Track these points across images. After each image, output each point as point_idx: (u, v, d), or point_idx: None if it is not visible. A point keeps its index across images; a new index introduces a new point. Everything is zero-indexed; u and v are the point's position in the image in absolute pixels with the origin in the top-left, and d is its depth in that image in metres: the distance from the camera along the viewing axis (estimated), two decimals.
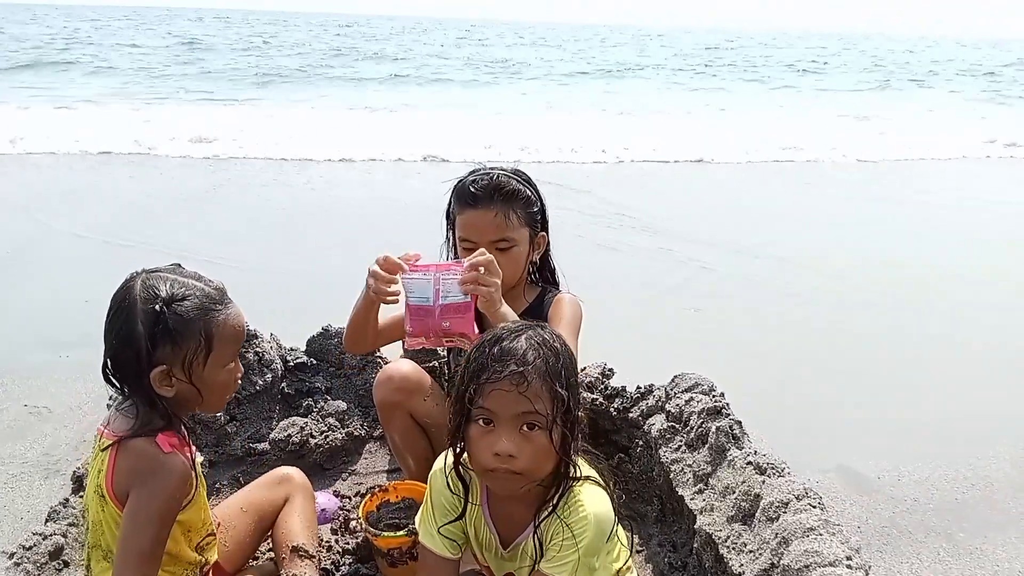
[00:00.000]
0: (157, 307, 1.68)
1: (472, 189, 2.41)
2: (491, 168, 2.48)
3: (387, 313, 2.47)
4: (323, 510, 2.59)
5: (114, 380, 1.75)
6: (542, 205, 2.53)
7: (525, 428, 1.62)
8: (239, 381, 1.91)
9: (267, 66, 22.57)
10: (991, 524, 2.73)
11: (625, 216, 6.93)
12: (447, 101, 16.67)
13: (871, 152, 11.33)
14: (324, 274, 5.03)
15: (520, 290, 2.59)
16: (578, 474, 1.70)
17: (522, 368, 1.60)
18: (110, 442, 1.73)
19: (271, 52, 28.03)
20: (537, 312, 2.51)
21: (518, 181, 2.47)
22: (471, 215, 2.41)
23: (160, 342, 1.68)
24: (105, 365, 1.75)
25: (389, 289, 2.24)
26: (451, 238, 2.55)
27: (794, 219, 7.15)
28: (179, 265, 1.83)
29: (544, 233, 2.56)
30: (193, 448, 1.86)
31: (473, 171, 2.49)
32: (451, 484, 1.81)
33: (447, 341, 2.28)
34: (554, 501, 1.69)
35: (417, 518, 1.93)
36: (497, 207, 2.41)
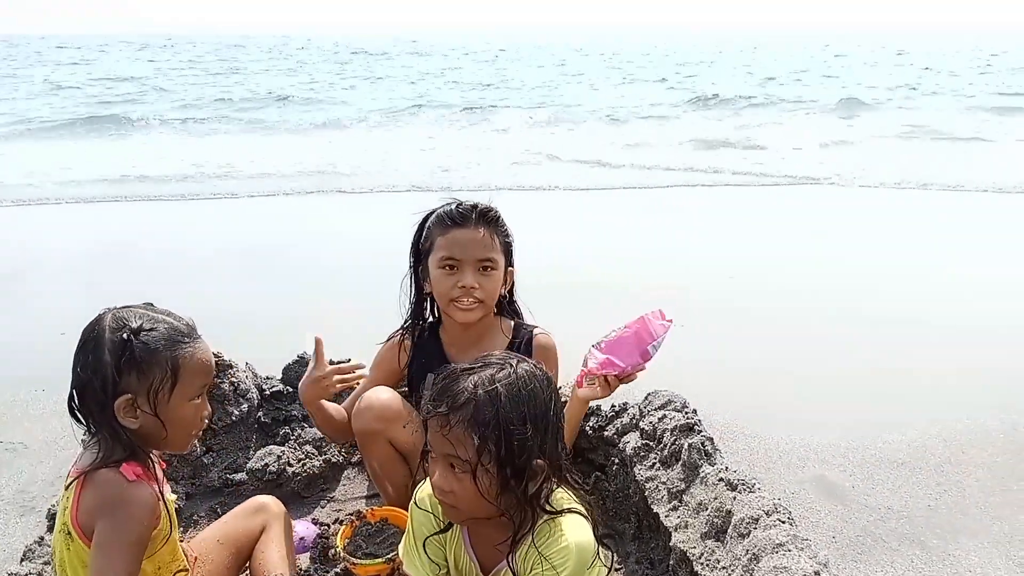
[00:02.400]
0: (124, 335, 1.71)
1: (459, 210, 2.47)
2: (456, 201, 2.53)
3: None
4: (302, 538, 2.59)
5: (79, 414, 1.76)
6: (513, 240, 2.59)
7: (454, 468, 1.64)
8: (206, 421, 1.91)
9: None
10: (964, 530, 2.77)
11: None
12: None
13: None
14: (299, 302, 5.03)
15: (496, 322, 2.62)
16: (551, 508, 1.72)
17: (448, 412, 1.62)
18: (74, 478, 1.73)
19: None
20: (518, 351, 2.55)
21: (497, 210, 2.54)
22: (458, 233, 2.45)
23: (126, 370, 1.70)
24: (71, 398, 1.76)
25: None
26: (415, 275, 2.59)
27: (768, 239, 7.22)
28: (151, 304, 1.85)
29: (511, 268, 2.61)
30: (163, 483, 1.86)
31: (448, 202, 2.52)
32: (432, 507, 1.83)
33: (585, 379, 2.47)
34: (515, 538, 1.70)
35: (400, 548, 1.95)
36: (483, 228, 2.47)
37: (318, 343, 2.48)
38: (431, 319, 2.67)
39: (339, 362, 2.60)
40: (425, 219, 2.55)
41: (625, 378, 2.41)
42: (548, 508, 1.73)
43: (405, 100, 20.26)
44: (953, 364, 4.19)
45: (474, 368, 1.68)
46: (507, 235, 2.55)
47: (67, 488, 1.75)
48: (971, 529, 2.78)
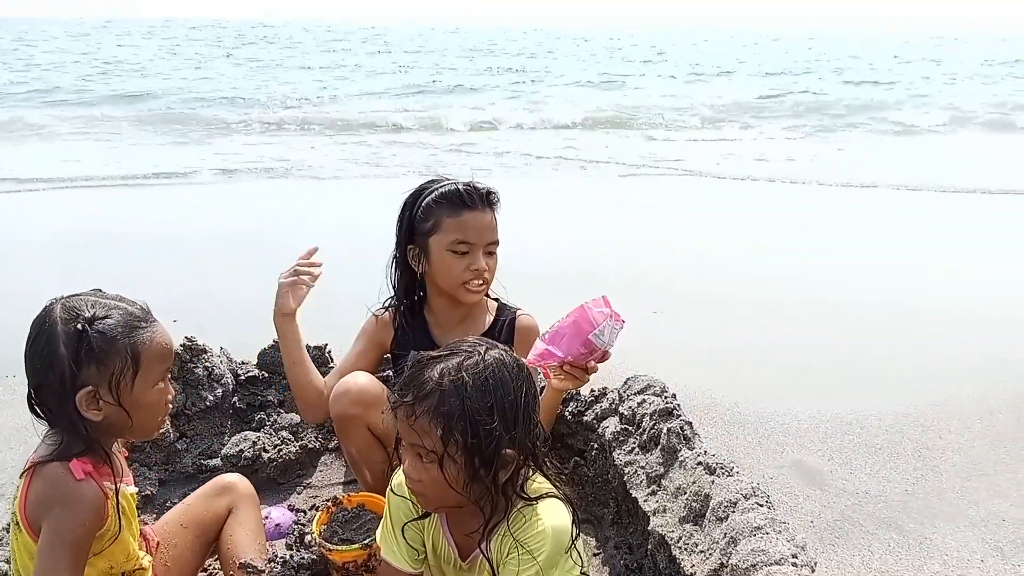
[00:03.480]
0: (79, 326, 1.64)
1: (469, 191, 2.45)
2: (451, 179, 2.50)
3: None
4: (277, 524, 2.56)
5: (40, 410, 1.71)
6: None
7: (422, 457, 1.63)
8: (170, 403, 1.86)
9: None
10: (940, 514, 2.79)
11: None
12: None
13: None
14: (274, 285, 4.95)
15: (482, 302, 2.61)
16: (526, 495, 1.70)
17: (413, 403, 1.60)
18: (27, 467, 1.69)
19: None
20: (500, 332, 2.58)
21: None
22: (470, 217, 2.44)
23: (84, 362, 1.64)
24: (30, 395, 1.70)
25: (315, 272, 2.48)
26: (407, 252, 2.54)
27: (748, 227, 7.23)
28: (99, 290, 1.79)
29: None
30: (124, 476, 1.80)
31: (441, 181, 2.49)
32: (409, 493, 1.81)
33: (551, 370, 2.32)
34: (488, 527, 1.68)
35: (378, 533, 1.93)
36: (490, 211, 2.48)
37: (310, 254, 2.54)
38: (416, 299, 2.64)
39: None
40: (418, 197, 2.50)
41: (585, 368, 2.28)
42: (523, 495, 1.71)
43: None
44: (930, 351, 4.22)
45: (441, 356, 1.65)
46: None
47: (20, 477, 1.71)
48: (948, 513, 2.79)
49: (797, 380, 3.84)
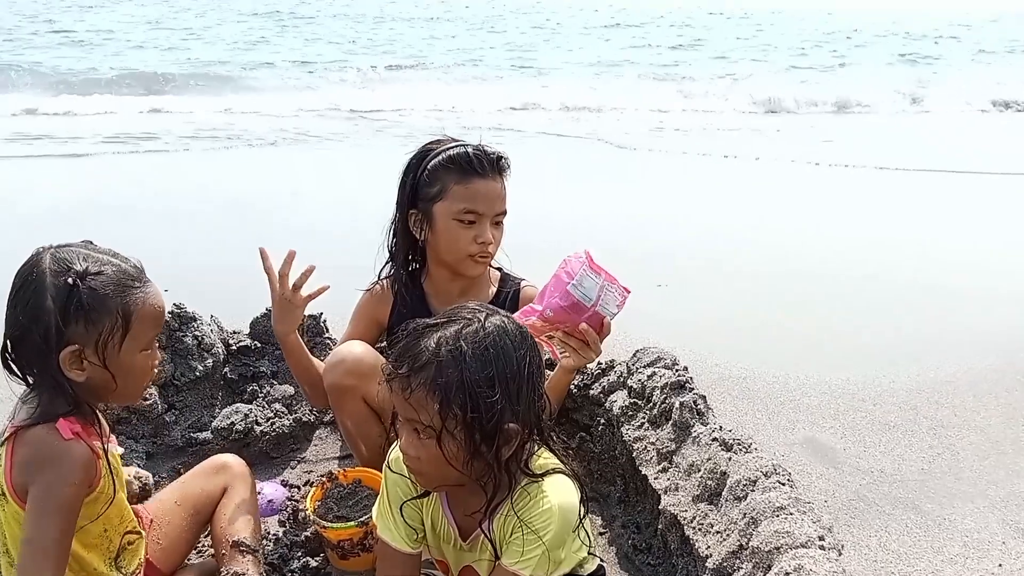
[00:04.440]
0: (70, 280, 1.54)
1: (478, 157, 2.30)
2: (459, 141, 2.36)
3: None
4: (270, 501, 2.46)
5: (14, 366, 1.60)
6: None
7: (419, 433, 1.52)
8: (156, 369, 1.77)
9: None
10: (958, 494, 2.69)
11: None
12: None
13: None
14: (269, 252, 4.83)
15: (484, 272, 2.48)
16: (530, 472, 1.60)
17: (409, 374, 1.49)
18: (8, 435, 1.58)
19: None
20: (504, 305, 2.41)
21: None
22: (481, 185, 2.30)
23: (72, 319, 1.54)
24: (4, 348, 1.59)
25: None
26: (408, 217, 2.40)
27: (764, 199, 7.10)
28: (90, 242, 1.68)
29: None
30: (109, 439, 1.70)
31: (449, 143, 2.35)
32: (408, 472, 1.69)
33: (546, 338, 2.17)
34: (489, 506, 1.58)
35: (375, 511, 1.82)
36: (500, 179, 2.34)
37: (263, 255, 2.28)
38: (413, 268, 2.52)
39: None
40: (423, 158, 2.36)
41: (585, 339, 2.12)
42: (528, 472, 1.60)
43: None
44: (943, 326, 4.10)
45: (439, 324, 1.54)
46: None
47: (1, 444, 1.60)
48: (967, 493, 2.69)
49: (807, 355, 3.72)
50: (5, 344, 1.59)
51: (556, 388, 2.33)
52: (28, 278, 1.56)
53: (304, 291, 2.30)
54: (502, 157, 2.35)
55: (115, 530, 1.73)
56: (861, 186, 7.54)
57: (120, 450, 1.79)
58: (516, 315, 2.03)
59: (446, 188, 2.30)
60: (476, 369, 1.47)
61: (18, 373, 1.61)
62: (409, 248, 2.47)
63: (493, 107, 12.20)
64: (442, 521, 1.75)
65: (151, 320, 1.67)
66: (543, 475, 1.62)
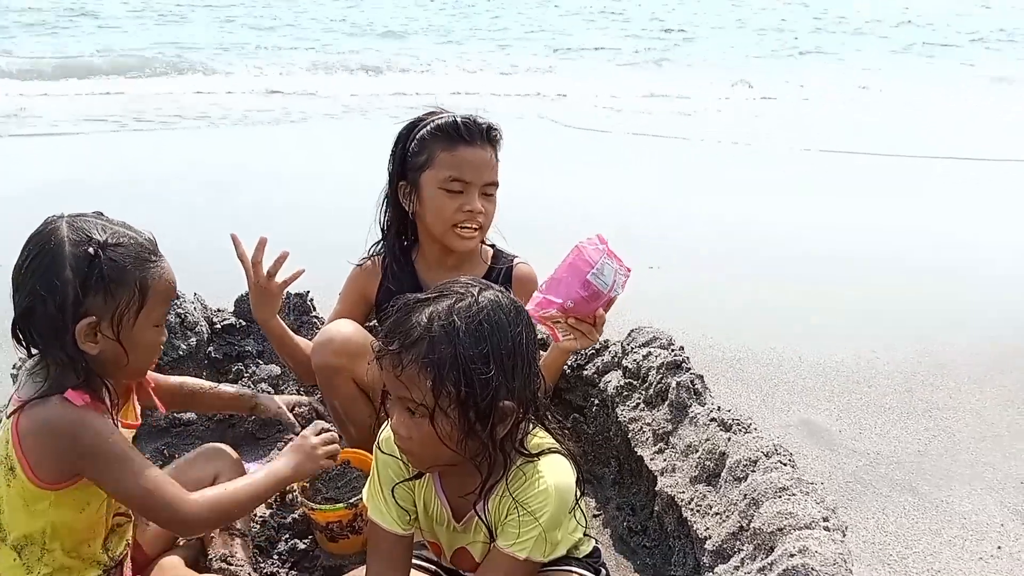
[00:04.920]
0: (91, 250, 1.50)
1: (467, 124, 2.22)
2: (462, 112, 2.29)
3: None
4: None
5: (23, 336, 1.55)
6: None
7: (412, 412, 1.47)
8: (162, 346, 1.74)
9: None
10: (955, 476, 2.66)
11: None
12: None
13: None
14: (253, 229, 4.73)
15: (476, 248, 2.41)
16: (526, 451, 1.55)
17: (400, 351, 1.43)
18: (16, 408, 1.53)
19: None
20: (496, 282, 2.33)
21: None
22: (468, 152, 2.22)
23: (92, 290, 1.50)
24: (16, 321, 1.53)
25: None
26: (398, 189, 2.34)
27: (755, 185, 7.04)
28: (102, 213, 1.63)
29: None
30: (117, 418, 1.66)
31: (439, 113, 2.28)
32: (400, 453, 1.64)
33: (550, 322, 2.11)
34: (484, 487, 1.53)
35: (365, 492, 1.76)
36: (490, 148, 2.26)
37: (235, 242, 2.22)
38: (406, 242, 2.45)
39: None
40: (412, 129, 2.29)
41: (594, 321, 2.10)
42: (523, 451, 1.54)
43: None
44: (940, 305, 4.08)
45: (430, 299, 1.48)
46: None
47: (8, 418, 1.55)
48: (963, 476, 2.67)
49: (800, 338, 3.68)
50: (18, 313, 1.53)
51: (552, 367, 2.28)
52: (44, 246, 1.51)
53: (279, 277, 2.24)
54: (493, 128, 2.27)
55: (108, 511, 1.69)
56: (854, 170, 7.51)
57: (129, 432, 1.75)
58: (531, 309, 2.01)
59: (433, 156, 2.24)
60: (470, 345, 1.42)
61: (26, 343, 1.56)
62: (400, 222, 2.40)
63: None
64: (435, 502, 1.69)
65: (165, 295, 1.65)
66: (539, 455, 1.57)
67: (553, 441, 1.61)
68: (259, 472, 1.81)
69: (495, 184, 2.30)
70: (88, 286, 1.50)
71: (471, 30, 19.09)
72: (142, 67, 12.98)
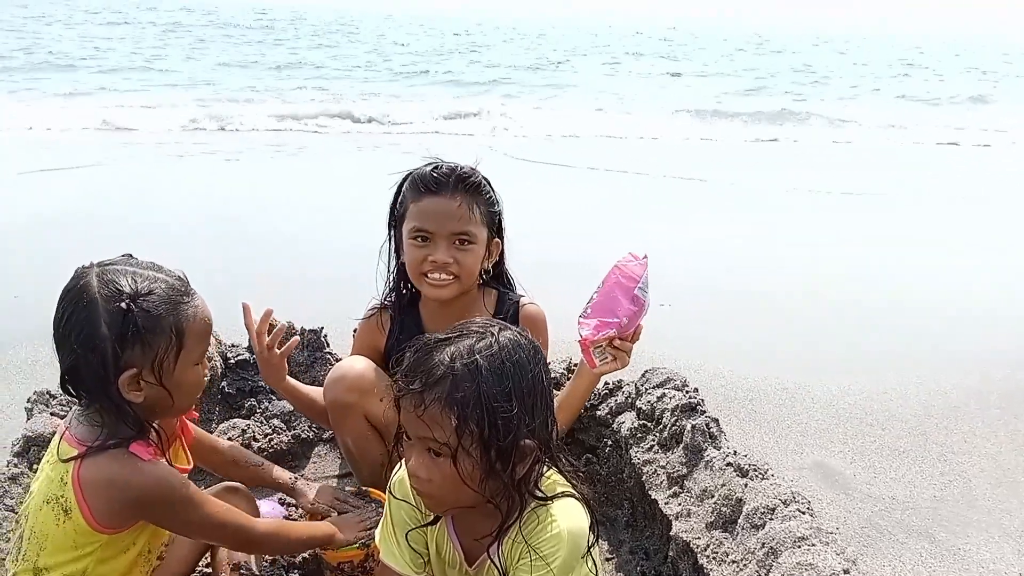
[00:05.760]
0: (123, 305, 1.51)
1: (434, 174, 2.21)
2: (449, 162, 2.29)
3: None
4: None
5: (73, 391, 1.57)
6: (500, 208, 2.35)
7: (432, 452, 1.46)
8: (206, 379, 1.77)
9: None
10: (971, 523, 2.63)
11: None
12: None
13: None
14: (268, 264, 4.77)
15: (478, 295, 2.41)
16: (541, 493, 1.53)
17: (422, 390, 1.43)
18: (75, 452, 1.55)
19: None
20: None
21: (482, 176, 2.29)
22: (431, 202, 2.21)
23: (129, 344, 1.52)
24: (63, 376, 1.56)
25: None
26: (393, 240, 2.36)
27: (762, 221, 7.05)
28: (131, 255, 1.65)
29: (499, 240, 2.37)
30: (168, 450, 1.71)
31: (429, 163, 2.29)
32: (409, 494, 1.63)
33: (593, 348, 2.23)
34: (502, 529, 1.51)
35: (377, 533, 1.75)
36: (460, 197, 2.22)
37: (245, 311, 2.24)
38: (408, 293, 2.44)
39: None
40: (403, 180, 2.31)
41: (632, 336, 2.23)
42: (538, 494, 1.53)
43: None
44: (952, 350, 4.05)
45: (451, 338, 1.48)
46: (492, 203, 2.30)
47: (63, 461, 1.56)
48: (981, 522, 2.63)
49: (813, 379, 3.66)
50: (64, 371, 1.56)
51: (582, 396, 2.38)
52: (78, 304, 1.52)
53: (278, 347, 2.26)
54: (465, 176, 2.22)
55: (156, 549, 1.75)
56: (861, 210, 7.52)
57: (185, 471, 1.80)
58: (587, 335, 2.18)
59: (406, 207, 2.26)
60: (493, 383, 1.42)
61: (76, 396, 1.60)
62: (402, 271, 2.40)
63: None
64: (448, 545, 1.68)
65: (202, 333, 1.66)
66: (552, 498, 1.55)
67: (566, 484, 1.60)
68: (317, 524, 2.01)
69: (465, 233, 2.23)
70: (125, 340, 1.52)
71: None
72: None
